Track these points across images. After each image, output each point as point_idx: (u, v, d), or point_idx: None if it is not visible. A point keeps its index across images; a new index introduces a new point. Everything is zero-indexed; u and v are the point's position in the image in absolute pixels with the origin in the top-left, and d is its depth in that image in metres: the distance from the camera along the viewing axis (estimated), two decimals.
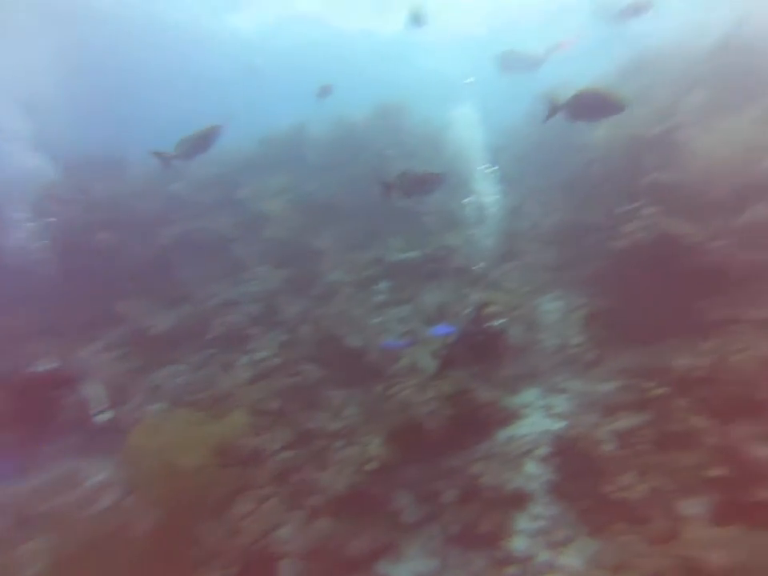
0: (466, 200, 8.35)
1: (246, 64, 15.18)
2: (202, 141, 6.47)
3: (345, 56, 22.79)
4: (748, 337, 5.98)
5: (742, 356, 5.69)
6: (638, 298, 7.18)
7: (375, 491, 5.78)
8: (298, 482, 6.07)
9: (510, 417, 6.52)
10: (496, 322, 5.16)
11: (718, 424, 5.11)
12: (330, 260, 10.04)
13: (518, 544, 4.97)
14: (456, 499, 5.50)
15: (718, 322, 6.45)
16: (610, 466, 5.18)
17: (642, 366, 6.43)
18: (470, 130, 8.71)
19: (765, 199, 7.25)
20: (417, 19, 11.97)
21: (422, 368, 6.89)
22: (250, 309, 9.24)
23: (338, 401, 7.34)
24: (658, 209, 7.53)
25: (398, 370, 7.13)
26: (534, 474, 5.62)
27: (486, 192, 8.30)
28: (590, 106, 5.39)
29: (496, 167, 8.05)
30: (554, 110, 5.39)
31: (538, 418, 6.50)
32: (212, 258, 10.49)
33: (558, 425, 6.18)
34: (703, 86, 8.52)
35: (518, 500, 5.35)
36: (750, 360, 5.50)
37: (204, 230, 10.83)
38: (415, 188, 6.02)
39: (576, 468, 5.40)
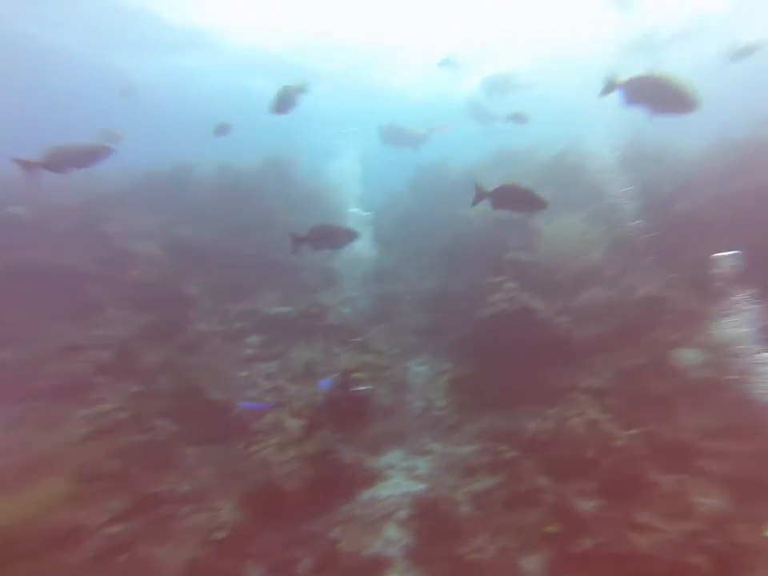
0: (343, 258, 8.68)
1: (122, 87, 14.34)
2: (82, 156, 5.86)
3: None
4: (583, 404, 6.86)
5: (577, 420, 6.46)
6: (497, 365, 7.84)
7: (222, 564, 5.19)
8: (125, 563, 5.06)
9: (373, 478, 6.47)
10: (362, 387, 5.28)
11: (555, 483, 5.62)
12: (200, 309, 9.47)
13: None
14: (311, 568, 5.16)
15: (562, 390, 7.29)
16: (465, 528, 5.35)
17: (498, 429, 6.95)
18: (354, 186, 9.25)
19: (598, 282, 8.68)
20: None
21: (285, 427, 6.62)
22: (97, 355, 8.15)
23: (191, 460, 6.64)
24: (518, 283, 8.49)
25: (260, 427, 6.75)
26: (393, 537, 5.54)
27: (364, 251, 8.71)
28: (514, 199, 5.56)
29: (376, 227, 8.57)
30: (480, 196, 5.59)
31: (400, 479, 6.54)
32: (58, 294, 9.21)
33: (419, 486, 6.27)
34: (549, 184, 10.18)
35: (376, 567, 5.19)
36: (583, 424, 6.26)
37: (48, 262, 9.54)
38: (326, 242, 6.02)
39: (435, 530, 5.47)
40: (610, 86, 5.23)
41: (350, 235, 5.97)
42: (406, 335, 9.38)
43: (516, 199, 5.53)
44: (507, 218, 10.10)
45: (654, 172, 10.21)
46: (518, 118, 11.00)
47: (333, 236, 5.98)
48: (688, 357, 7.06)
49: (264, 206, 11.64)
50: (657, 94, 4.90)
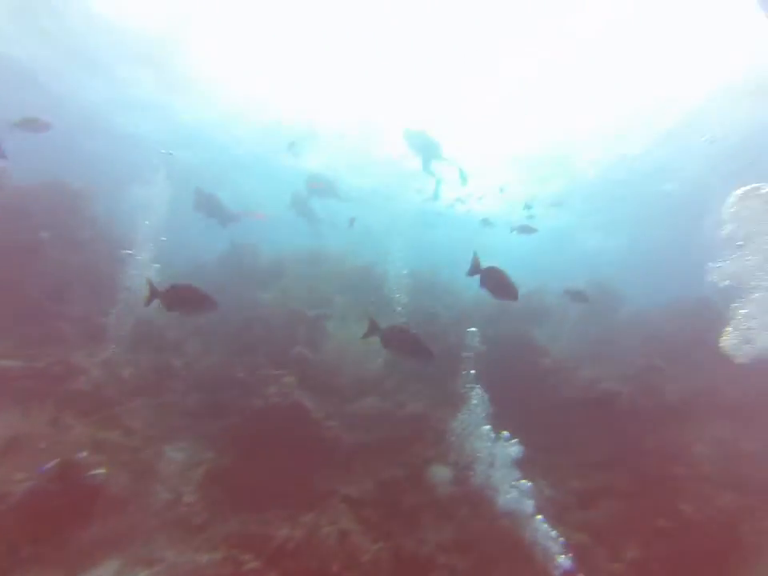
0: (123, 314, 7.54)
1: None
2: None
3: None
4: (338, 512, 6.76)
5: (329, 530, 6.28)
6: (260, 460, 7.31)
7: None
8: None
9: None
10: (93, 472, 4.27)
11: None
12: None
13: None
14: None
15: (322, 495, 7.10)
16: None
17: (247, 534, 6.23)
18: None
19: (375, 392, 9.19)
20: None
21: None
22: None
23: None
24: (297, 379, 8.41)
25: None
26: None
27: (151, 316, 7.72)
28: (401, 341, 5.45)
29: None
30: (372, 330, 5.39)
31: None
32: None
33: None
34: (352, 289, 10.96)
35: None
36: (334, 534, 6.10)
37: None
38: (180, 305, 5.32)
39: None
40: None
41: (210, 304, 5.20)
42: (170, 414, 8.21)
43: (402, 343, 5.46)
44: (300, 313, 10.36)
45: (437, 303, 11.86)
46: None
47: (190, 300, 5.21)
48: (440, 473, 7.75)
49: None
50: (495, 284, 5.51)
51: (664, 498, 7.00)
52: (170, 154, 11.49)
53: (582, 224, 24.51)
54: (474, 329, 8.11)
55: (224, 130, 17.37)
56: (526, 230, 11.85)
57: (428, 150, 12.56)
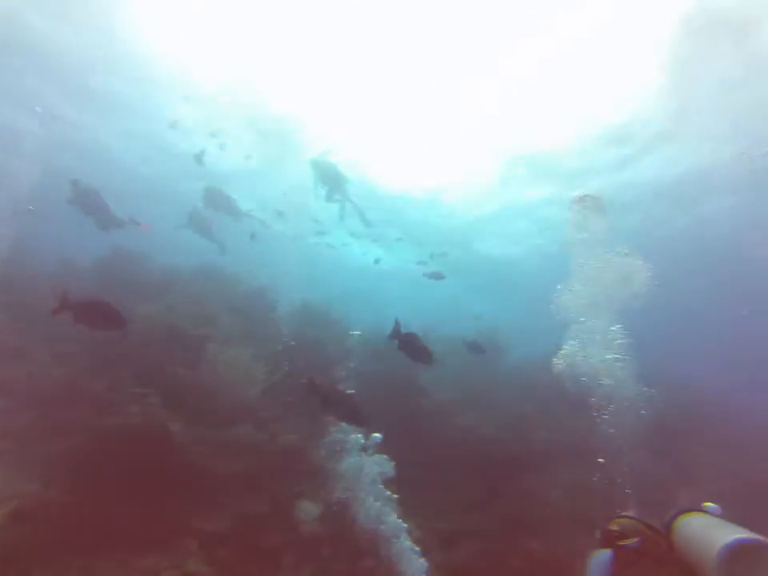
0: None
1: None
2: None
3: None
4: (187, 551, 6.10)
5: (169, 574, 5.63)
6: (107, 489, 6.36)
7: None
8: None
9: None
10: None
11: None
12: None
13: None
14: None
15: (173, 531, 6.35)
16: None
17: None
18: None
19: (249, 420, 8.59)
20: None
21: None
22: None
23: None
24: (163, 400, 7.66)
25: None
26: None
27: None
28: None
29: None
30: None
31: None
32: None
33: None
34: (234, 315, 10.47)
35: None
36: None
37: None
38: (87, 318, 5.16)
39: None
40: (396, 332, 5.75)
41: (119, 322, 5.22)
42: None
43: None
44: (181, 330, 9.64)
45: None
46: None
47: (98, 314, 5.20)
48: (307, 509, 7.34)
49: None
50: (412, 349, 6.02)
51: (520, 538, 7.25)
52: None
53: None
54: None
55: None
56: (435, 276, 13.39)
57: (334, 181, 12.70)
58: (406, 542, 6.06)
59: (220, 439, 7.88)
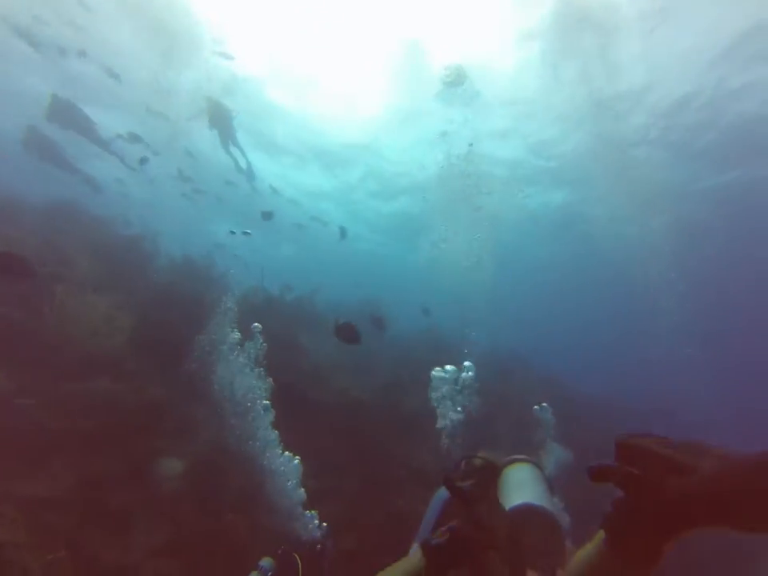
0: None
1: None
2: None
3: None
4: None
5: None
6: None
7: None
8: None
9: None
10: None
11: None
12: None
13: None
14: None
15: None
16: None
17: None
18: None
19: (109, 373, 7.68)
20: None
21: None
22: None
23: None
24: None
25: None
26: None
27: None
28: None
29: None
30: None
31: None
32: None
33: None
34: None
35: None
36: None
37: None
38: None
39: None
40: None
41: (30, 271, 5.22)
42: None
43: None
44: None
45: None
46: None
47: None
48: (170, 466, 6.89)
49: None
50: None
51: (385, 496, 7.64)
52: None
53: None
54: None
55: None
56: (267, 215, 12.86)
57: (225, 126, 11.63)
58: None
59: (64, 393, 6.98)
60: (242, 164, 13.46)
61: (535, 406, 8.07)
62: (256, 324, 7.64)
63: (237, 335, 7.71)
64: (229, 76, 11.85)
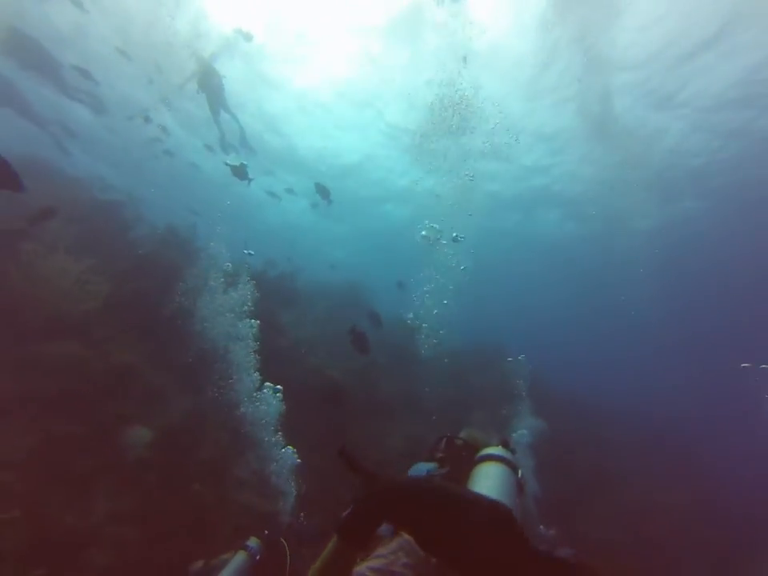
0: None
1: None
2: None
3: None
4: None
5: None
6: None
7: None
8: None
9: None
10: None
11: None
12: None
13: None
14: None
15: None
16: None
17: None
18: None
19: (78, 337, 7.40)
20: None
21: None
22: None
23: None
24: None
25: None
26: None
27: None
28: None
29: None
30: None
31: None
32: None
33: None
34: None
35: None
36: None
37: None
38: None
39: None
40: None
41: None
42: None
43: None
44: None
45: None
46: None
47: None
48: (138, 434, 6.71)
49: None
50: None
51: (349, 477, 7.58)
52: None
53: None
54: None
55: None
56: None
57: (214, 93, 11.06)
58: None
59: (27, 354, 6.71)
60: (236, 129, 12.72)
61: (509, 358, 8.38)
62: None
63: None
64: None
